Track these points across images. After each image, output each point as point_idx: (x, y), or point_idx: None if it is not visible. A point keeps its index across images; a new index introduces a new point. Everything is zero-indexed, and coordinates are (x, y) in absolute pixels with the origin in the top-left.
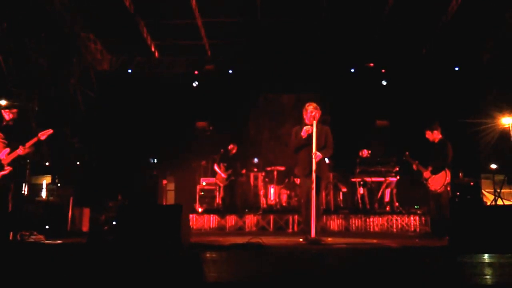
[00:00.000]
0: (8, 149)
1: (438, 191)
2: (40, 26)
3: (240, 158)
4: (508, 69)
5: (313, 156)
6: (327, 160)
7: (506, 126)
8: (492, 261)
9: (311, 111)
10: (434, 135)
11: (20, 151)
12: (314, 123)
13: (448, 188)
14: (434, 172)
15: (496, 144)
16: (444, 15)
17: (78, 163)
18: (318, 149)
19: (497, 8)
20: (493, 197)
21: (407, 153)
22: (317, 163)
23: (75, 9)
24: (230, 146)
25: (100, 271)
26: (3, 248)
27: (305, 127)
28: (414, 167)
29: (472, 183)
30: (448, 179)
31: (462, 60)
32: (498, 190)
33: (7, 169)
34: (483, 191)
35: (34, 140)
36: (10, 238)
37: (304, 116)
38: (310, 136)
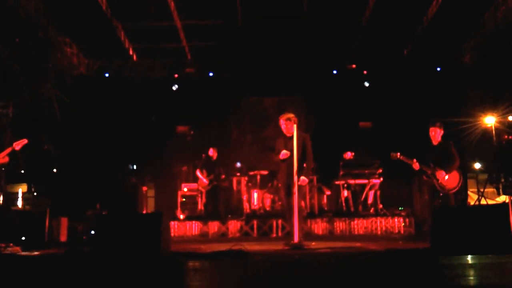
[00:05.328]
0: None
1: (452, 191)
2: (14, 30)
3: (221, 163)
4: (489, 69)
5: (299, 179)
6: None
7: (489, 125)
8: (474, 262)
9: (282, 123)
10: (440, 135)
11: None
12: (295, 133)
13: None
14: (448, 172)
15: (479, 144)
16: (425, 16)
17: (54, 171)
18: (297, 161)
19: (477, 9)
20: (476, 196)
21: (398, 153)
22: (298, 172)
23: (50, 13)
24: (211, 151)
25: (78, 282)
26: None
27: (283, 152)
28: (415, 166)
29: None
30: (462, 178)
31: (444, 60)
32: (482, 190)
33: None
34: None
35: (9, 150)
36: None
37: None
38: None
